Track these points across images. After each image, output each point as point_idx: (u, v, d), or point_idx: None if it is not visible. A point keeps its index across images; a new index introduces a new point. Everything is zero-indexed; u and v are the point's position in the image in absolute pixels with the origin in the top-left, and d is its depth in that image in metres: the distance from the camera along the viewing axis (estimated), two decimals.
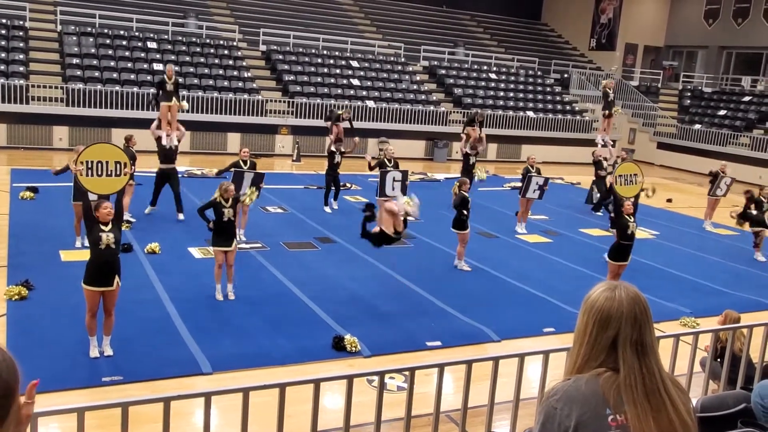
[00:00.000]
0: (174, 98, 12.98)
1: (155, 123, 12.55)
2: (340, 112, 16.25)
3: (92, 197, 6.82)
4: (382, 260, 10.66)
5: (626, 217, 9.32)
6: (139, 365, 6.57)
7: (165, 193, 12.28)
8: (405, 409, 4.16)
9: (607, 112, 17.56)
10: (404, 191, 12.32)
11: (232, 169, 11.26)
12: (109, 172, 6.85)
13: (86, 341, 6.73)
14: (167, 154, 12.26)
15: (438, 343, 7.71)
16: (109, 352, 6.71)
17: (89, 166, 6.82)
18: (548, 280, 10.45)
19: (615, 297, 2.07)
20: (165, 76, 13.20)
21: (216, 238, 8.50)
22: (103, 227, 6.47)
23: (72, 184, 9.69)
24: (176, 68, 13.17)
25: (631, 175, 9.56)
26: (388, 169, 12.61)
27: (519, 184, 13.98)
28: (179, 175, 12.61)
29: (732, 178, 15.34)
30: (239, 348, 7.15)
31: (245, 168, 11.36)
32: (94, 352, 6.63)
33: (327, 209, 13.91)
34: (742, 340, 5.65)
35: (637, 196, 10.67)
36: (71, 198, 10.08)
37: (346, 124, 15.95)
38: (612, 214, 11.44)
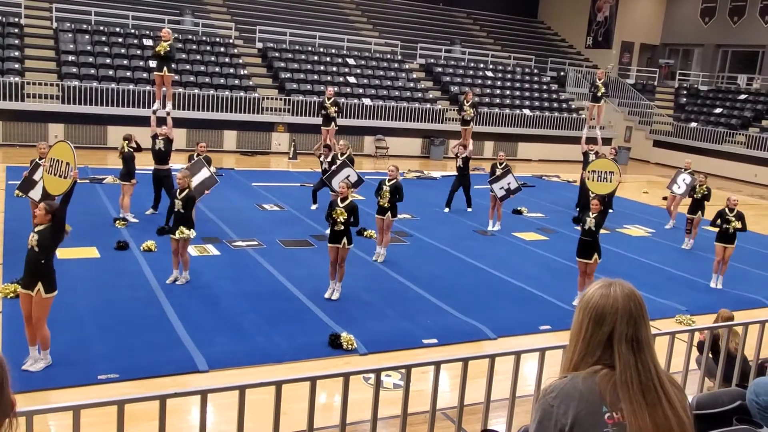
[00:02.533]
0: (165, 67, 12.38)
1: (153, 119, 12.46)
2: (328, 105, 15.09)
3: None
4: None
5: (588, 212, 8.85)
6: (135, 363, 6.55)
7: (162, 192, 12.24)
8: (401, 407, 4.16)
9: (593, 103, 17.36)
10: (357, 183, 11.82)
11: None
12: (60, 173, 6.54)
13: (83, 340, 6.74)
14: (158, 156, 11.97)
15: (434, 340, 7.71)
16: (35, 367, 6.21)
17: (52, 164, 6.49)
18: (544, 277, 10.45)
19: (610, 294, 2.08)
20: (161, 39, 12.44)
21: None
22: (35, 228, 6.23)
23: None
24: (173, 65, 12.81)
25: (606, 172, 8.80)
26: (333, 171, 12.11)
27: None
28: (173, 174, 12.49)
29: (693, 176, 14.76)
30: (235, 345, 7.15)
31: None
32: (27, 364, 6.22)
33: (313, 206, 13.79)
34: (737, 340, 5.66)
35: (612, 192, 10.22)
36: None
37: (334, 124, 15.58)
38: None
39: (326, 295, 8.71)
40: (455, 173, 15.03)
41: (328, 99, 15.08)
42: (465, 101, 16.45)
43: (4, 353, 6.47)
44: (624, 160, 25.06)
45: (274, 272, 9.66)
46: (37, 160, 10.04)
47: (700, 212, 13.28)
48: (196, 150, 11.74)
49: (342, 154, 12.73)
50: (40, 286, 6.14)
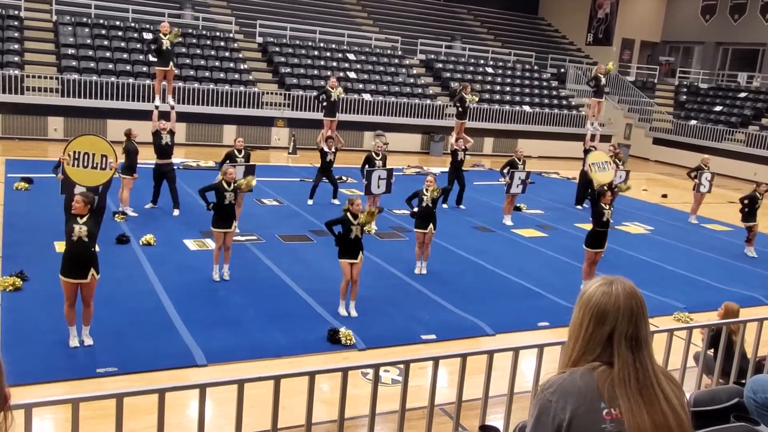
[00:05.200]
0: (171, 62, 12.59)
1: (155, 114, 12.47)
2: (332, 90, 15.04)
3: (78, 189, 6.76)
4: (378, 253, 10.67)
5: (602, 204, 9.36)
6: (133, 357, 6.56)
7: (162, 186, 12.23)
8: (399, 402, 4.16)
9: (596, 99, 17.27)
10: (389, 189, 12.27)
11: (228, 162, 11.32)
12: (94, 165, 6.71)
13: (81, 333, 6.74)
14: (163, 150, 11.96)
15: (433, 336, 7.72)
16: (89, 341, 6.69)
17: (76, 156, 6.65)
18: (543, 274, 10.46)
19: (612, 292, 2.07)
20: (160, 33, 12.50)
21: (217, 220, 8.91)
22: (78, 219, 6.43)
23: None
24: (171, 58, 12.86)
25: (602, 162, 9.54)
26: (375, 168, 12.33)
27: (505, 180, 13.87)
28: (175, 168, 12.51)
29: (713, 173, 15.28)
30: (234, 340, 7.16)
31: (240, 157, 11.63)
32: (73, 342, 6.63)
33: (310, 201, 13.81)
34: (737, 333, 5.67)
35: (612, 190, 10.73)
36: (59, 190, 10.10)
37: (337, 117, 15.59)
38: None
39: (342, 313, 8.21)
40: (449, 168, 14.93)
41: (332, 88, 15.07)
42: (464, 93, 16.24)
43: (4, 345, 6.52)
44: (624, 158, 25.05)
45: (273, 267, 9.66)
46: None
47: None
48: (234, 146, 11.77)
49: (377, 155, 12.84)
50: (93, 271, 6.56)
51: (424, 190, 10.07)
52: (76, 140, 6.79)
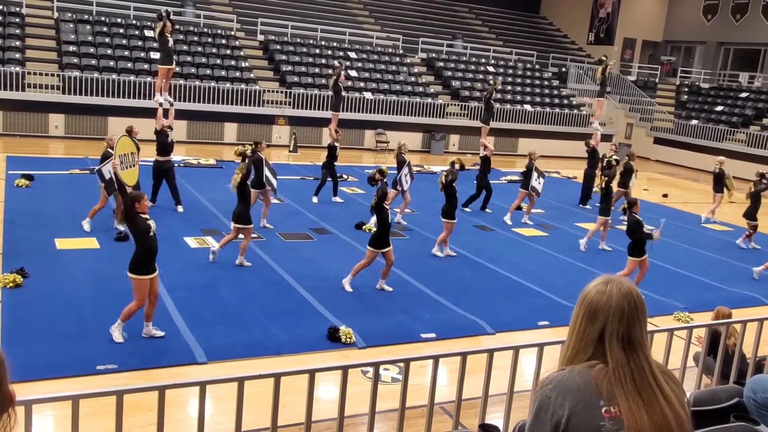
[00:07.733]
0: (173, 60, 12.75)
1: (160, 111, 12.48)
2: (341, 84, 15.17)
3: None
4: None
5: (634, 214, 9.57)
6: (133, 354, 6.56)
7: (162, 184, 12.24)
8: (399, 401, 4.16)
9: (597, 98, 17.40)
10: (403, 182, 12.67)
11: None
12: (130, 164, 6.96)
13: (82, 330, 6.74)
14: (164, 147, 11.98)
15: (433, 335, 7.72)
16: (159, 333, 6.93)
17: (122, 160, 6.94)
18: (543, 273, 10.46)
19: (606, 291, 2.08)
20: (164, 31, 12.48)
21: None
22: (146, 217, 6.74)
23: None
24: (174, 57, 12.97)
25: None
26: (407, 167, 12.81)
27: (516, 177, 13.88)
28: (175, 166, 12.51)
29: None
30: (234, 338, 7.16)
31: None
32: (119, 338, 6.75)
33: (315, 199, 13.85)
34: (735, 335, 5.67)
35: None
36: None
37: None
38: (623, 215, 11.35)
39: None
40: (478, 174, 14.81)
41: (338, 78, 15.12)
42: (494, 90, 16.16)
43: (4, 342, 6.52)
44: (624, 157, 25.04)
45: (273, 265, 9.66)
46: (108, 149, 10.35)
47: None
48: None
49: (400, 153, 13.08)
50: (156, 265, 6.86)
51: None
52: (119, 143, 6.97)
